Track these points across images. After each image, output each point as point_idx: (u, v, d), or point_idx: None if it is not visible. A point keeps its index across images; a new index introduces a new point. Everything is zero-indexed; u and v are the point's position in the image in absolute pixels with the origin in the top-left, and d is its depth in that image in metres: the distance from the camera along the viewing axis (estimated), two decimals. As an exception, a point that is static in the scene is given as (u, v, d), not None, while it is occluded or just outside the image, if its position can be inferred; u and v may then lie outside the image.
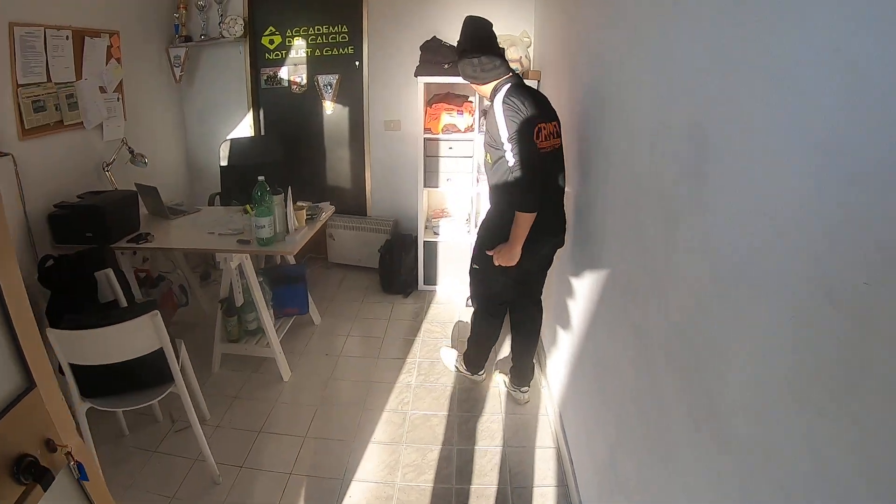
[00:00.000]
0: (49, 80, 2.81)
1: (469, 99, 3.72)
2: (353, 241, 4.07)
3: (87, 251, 2.48)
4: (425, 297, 3.78)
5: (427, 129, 3.50)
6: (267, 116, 4.22)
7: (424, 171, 3.56)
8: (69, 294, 2.36)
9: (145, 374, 2.06)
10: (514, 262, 2.16)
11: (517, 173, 2.02)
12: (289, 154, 3.95)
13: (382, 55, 3.89)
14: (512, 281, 2.34)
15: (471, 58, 2.20)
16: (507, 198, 2.12)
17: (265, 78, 4.12)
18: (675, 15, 1.23)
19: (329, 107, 4.10)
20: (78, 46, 3.03)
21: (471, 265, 2.50)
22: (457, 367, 2.84)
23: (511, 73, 2.23)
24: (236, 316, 2.86)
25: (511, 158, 2.02)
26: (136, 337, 1.93)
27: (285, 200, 2.61)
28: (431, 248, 3.75)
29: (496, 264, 2.21)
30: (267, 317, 2.76)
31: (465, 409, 2.63)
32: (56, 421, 0.96)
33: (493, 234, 2.26)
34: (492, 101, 2.14)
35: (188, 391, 2.10)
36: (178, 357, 2.07)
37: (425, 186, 3.60)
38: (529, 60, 3.63)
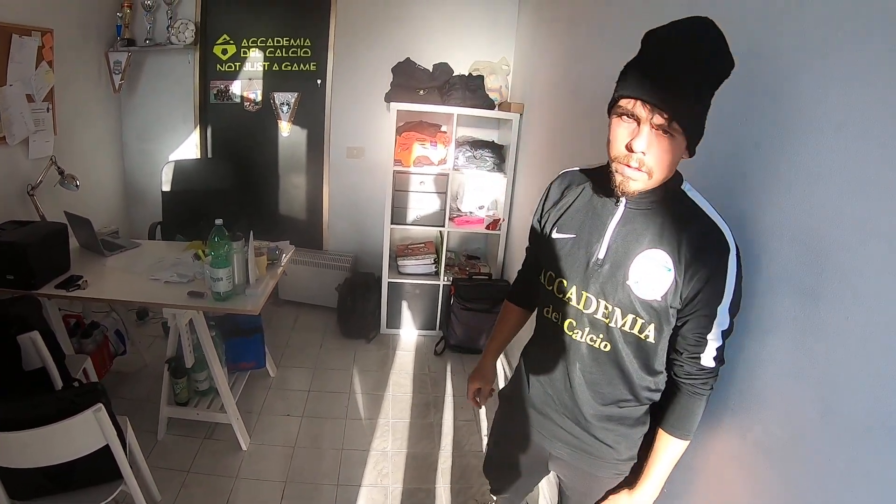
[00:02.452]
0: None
1: (442, 129, 3.42)
2: (308, 278, 3.69)
3: (7, 309, 2.03)
4: (390, 342, 3.45)
5: (397, 161, 3.19)
6: (215, 136, 3.80)
7: (392, 207, 3.24)
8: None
9: (89, 471, 1.69)
10: None
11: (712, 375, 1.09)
12: (239, 180, 3.54)
13: (349, 74, 3.55)
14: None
15: (705, 100, 0.96)
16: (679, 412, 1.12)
17: (215, 92, 3.70)
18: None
19: (286, 128, 3.72)
20: (3, 45, 2.57)
21: None
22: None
23: None
24: (185, 377, 2.46)
25: (717, 342, 1.05)
26: (77, 436, 1.56)
27: (246, 246, 2.24)
28: (396, 288, 3.42)
29: None
30: (221, 377, 2.36)
31: (455, 479, 2.34)
32: None
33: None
34: (684, 223, 1.04)
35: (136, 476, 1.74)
36: (125, 445, 1.70)
37: (393, 223, 3.28)
38: (508, 91, 3.36)
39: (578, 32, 2.29)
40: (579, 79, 2.22)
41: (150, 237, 3.19)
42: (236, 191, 3.48)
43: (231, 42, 3.62)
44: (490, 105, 3.20)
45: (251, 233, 2.27)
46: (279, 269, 2.53)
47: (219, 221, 2.15)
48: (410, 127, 3.30)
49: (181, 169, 3.39)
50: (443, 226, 3.28)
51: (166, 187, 3.35)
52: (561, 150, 2.41)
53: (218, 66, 3.66)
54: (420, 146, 3.21)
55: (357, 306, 3.38)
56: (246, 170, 3.72)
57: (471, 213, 3.37)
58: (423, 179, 3.21)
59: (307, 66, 3.60)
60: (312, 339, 3.45)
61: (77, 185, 2.96)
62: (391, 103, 3.10)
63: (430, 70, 3.22)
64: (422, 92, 3.16)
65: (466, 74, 3.25)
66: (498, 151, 3.32)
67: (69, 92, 3.14)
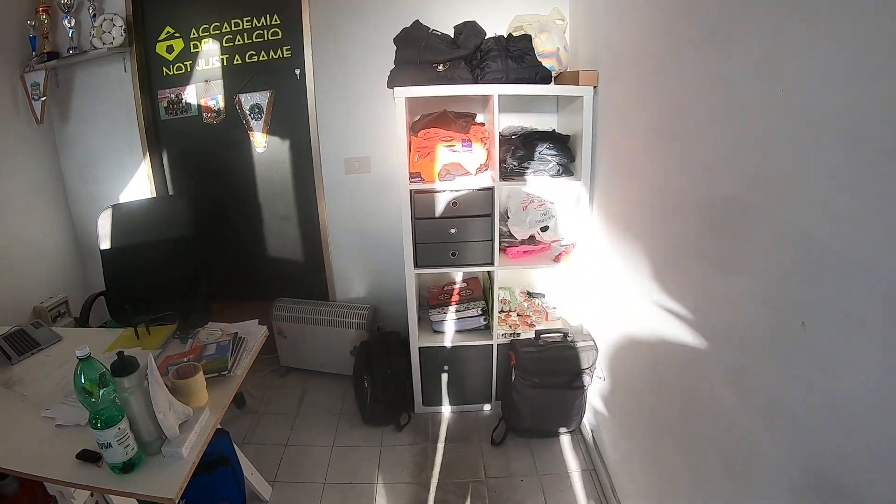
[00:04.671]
0: None
1: (478, 119, 2.37)
2: (313, 339, 2.73)
3: None
4: (428, 428, 2.44)
5: (414, 175, 2.15)
6: (173, 163, 2.87)
7: (415, 244, 2.22)
8: None
9: None
10: None
11: None
12: (205, 221, 2.61)
13: (336, 56, 2.52)
14: None
15: None
16: None
17: (165, 104, 2.76)
18: None
19: (260, 141, 2.74)
20: None
21: None
22: None
23: None
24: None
25: None
26: None
27: (145, 379, 1.27)
28: (431, 353, 2.40)
29: None
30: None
31: None
32: None
33: None
34: None
35: None
36: None
37: (417, 267, 2.25)
38: (567, 54, 2.24)
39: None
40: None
41: (81, 317, 2.31)
42: (202, 237, 2.54)
43: (177, 35, 2.66)
44: (545, 77, 2.10)
45: (150, 356, 1.29)
46: (235, 381, 1.56)
47: (83, 352, 1.18)
48: (430, 121, 2.25)
49: (123, 216, 2.48)
50: (491, 263, 2.23)
51: (105, 244, 2.45)
52: (682, 132, 1.31)
53: (164, 69, 2.71)
54: (447, 149, 2.16)
55: (378, 381, 2.39)
56: (214, 205, 2.79)
57: (530, 239, 2.30)
58: (455, 198, 2.16)
59: (279, 52, 2.60)
60: (322, 430, 2.48)
61: None
62: (396, 89, 2.06)
63: (452, 35, 2.16)
64: (441, 67, 2.10)
65: (505, 35, 2.17)
66: (563, 145, 2.22)
67: None
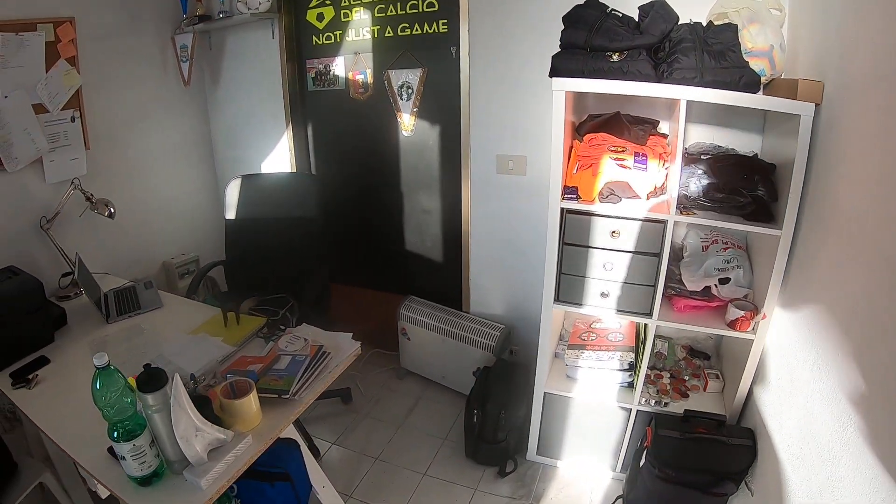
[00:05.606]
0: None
1: (659, 128, 1.89)
2: (437, 349, 2.50)
3: None
4: (535, 482, 2.10)
5: (569, 190, 1.75)
6: (316, 136, 2.73)
7: (558, 274, 1.83)
8: None
9: None
10: None
11: None
12: (340, 201, 2.46)
13: (496, 34, 2.15)
14: None
15: None
16: None
17: (313, 75, 2.61)
18: None
19: (408, 123, 2.48)
20: None
21: None
22: None
23: None
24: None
25: None
26: None
27: (172, 395, 1.07)
28: (558, 402, 2.03)
29: None
30: None
31: None
32: None
33: None
34: None
35: None
36: None
37: (557, 302, 1.87)
38: (784, 55, 1.65)
39: None
40: None
41: (192, 285, 2.29)
42: (333, 220, 2.39)
43: (328, 2, 2.46)
44: (751, 83, 1.52)
45: (175, 376, 1.07)
46: (296, 407, 1.33)
47: (101, 361, 1.01)
48: (598, 125, 1.82)
49: (252, 188, 2.40)
50: (648, 314, 1.78)
51: (230, 213, 2.39)
52: None
53: (314, 38, 2.55)
54: (614, 162, 1.72)
55: (490, 417, 2.08)
56: (352, 187, 2.63)
57: (704, 290, 1.80)
58: (617, 228, 1.73)
59: (434, 26, 2.29)
60: (420, 452, 2.26)
61: (112, 213, 2.21)
62: (555, 79, 1.66)
63: (635, 18, 1.69)
64: (615, 57, 1.64)
65: (704, 24, 1.64)
66: (764, 178, 1.65)
67: (109, 91, 2.39)
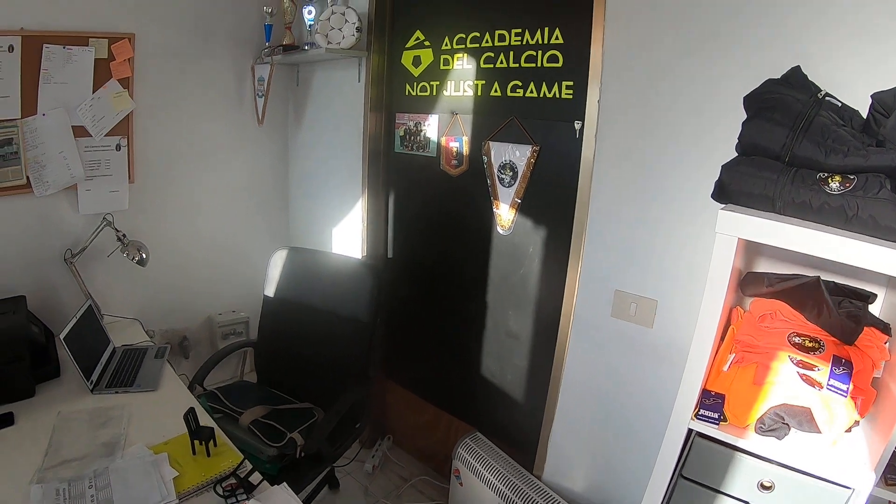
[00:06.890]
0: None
1: (870, 304, 1.05)
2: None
3: None
4: None
5: (710, 399, 1.00)
6: (396, 212, 2.19)
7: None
8: None
9: None
10: None
11: None
12: (405, 298, 1.97)
13: (641, 110, 1.39)
14: None
15: None
16: None
17: (402, 133, 2.06)
18: None
19: (506, 218, 1.80)
20: (33, 61, 1.72)
21: None
22: None
23: None
24: None
25: None
26: None
27: None
28: None
29: None
30: None
31: None
32: None
33: None
34: None
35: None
36: None
37: None
38: None
39: None
40: None
41: (208, 363, 1.87)
42: (388, 319, 1.88)
43: (426, 44, 1.90)
44: None
45: None
46: None
47: None
48: (779, 292, 1.05)
49: (298, 265, 1.97)
50: None
51: (269, 289, 1.96)
52: None
53: (408, 87, 2.00)
54: (795, 368, 0.95)
55: None
56: (423, 281, 2.07)
57: None
58: (771, 477, 0.94)
59: (553, 89, 1.60)
60: None
61: (143, 259, 1.94)
62: (724, 211, 0.92)
63: (870, 112, 0.88)
64: (835, 184, 0.87)
65: None
66: None
67: (171, 121, 2.11)
